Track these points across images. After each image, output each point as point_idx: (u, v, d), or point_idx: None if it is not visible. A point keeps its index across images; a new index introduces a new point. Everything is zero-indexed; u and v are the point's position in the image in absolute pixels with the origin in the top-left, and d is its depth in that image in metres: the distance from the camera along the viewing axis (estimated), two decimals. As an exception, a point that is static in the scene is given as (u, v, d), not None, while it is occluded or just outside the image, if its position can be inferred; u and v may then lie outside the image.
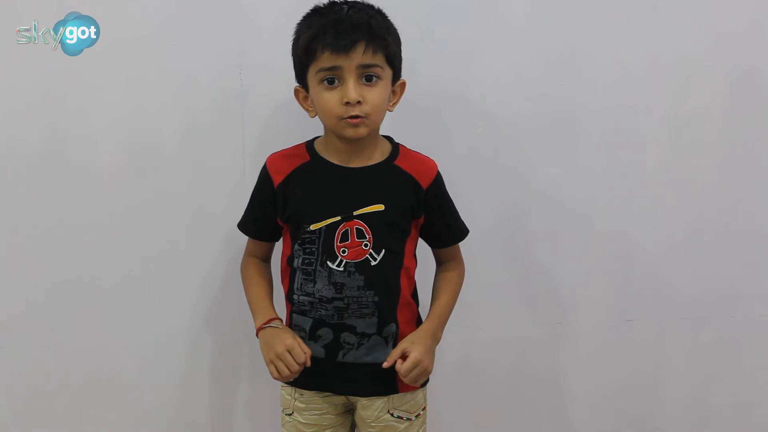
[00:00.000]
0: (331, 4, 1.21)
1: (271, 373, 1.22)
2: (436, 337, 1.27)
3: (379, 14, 1.22)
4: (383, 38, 1.18)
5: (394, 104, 1.26)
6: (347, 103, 1.16)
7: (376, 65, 1.17)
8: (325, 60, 1.16)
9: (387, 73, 1.20)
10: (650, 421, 1.69)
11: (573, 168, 1.58)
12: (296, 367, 1.19)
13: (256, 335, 1.26)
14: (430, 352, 1.24)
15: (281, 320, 1.27)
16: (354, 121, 1.17)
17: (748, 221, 1.63)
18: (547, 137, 1.56)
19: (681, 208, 1.61)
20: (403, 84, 1.26)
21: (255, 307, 1.29)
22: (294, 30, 1.23)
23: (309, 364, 1.20)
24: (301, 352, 1.20)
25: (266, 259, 1.36)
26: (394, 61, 1.21)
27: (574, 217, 1.60)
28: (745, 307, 1.67)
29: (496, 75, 1.53)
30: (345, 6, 1.19)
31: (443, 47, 1.51)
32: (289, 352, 1.19)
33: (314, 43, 1.17)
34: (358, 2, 1.22)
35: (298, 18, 1.25)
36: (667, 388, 1.68)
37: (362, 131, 1.19)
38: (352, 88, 1.16)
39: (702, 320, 1.66)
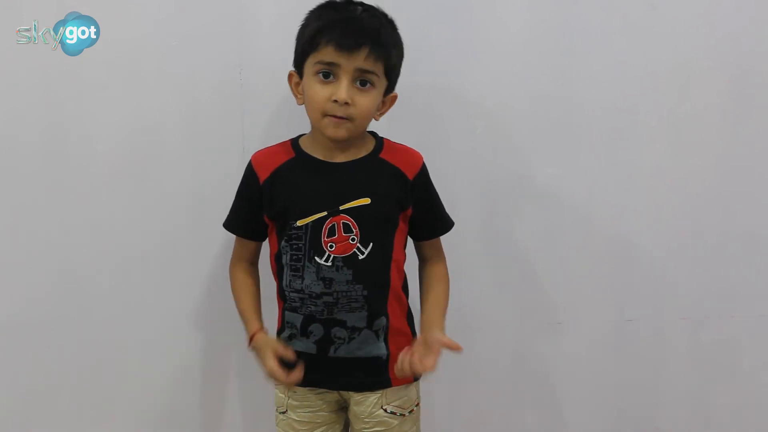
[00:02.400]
0: (347, 2, 1.21)
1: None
2: (442, 329, 1.26)
3: (390, 25, 1.22)
4: (388, 49, 1.18)
5: (381, 114, 1.26)
6: (336, 101, 1.17)
7: (373, 72, 1.18)
8: (327, 54, 1.16)
9: (382, 82, 1.21)
10: (650, 421, 1.69)
11: (572, 168, 1.58)
12: (284, 381, 1.22)
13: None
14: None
15: (265, 331, 1.29)
16: (337, 120, 1.18)
17: (748, 221, 1.63)
18: (546, 137, 1.56)
19: (681, 208, 1.61)
20: (394, 98, 1.27)
21: (245, 320, 1.31)
22: (304, 17, 1.23)
23: (298, 372, 1.22)
24: (282, 375, 1.21)
25: (254, 262, 1.35)
26: (392, 74, 1.22)
27: (573, 217, 1.60)
28: (745, 307, 1.67)
29: (495, 75, 1.53)
30: (360, 7, 1.20)
31: (442, 48, 1.51)
32: (273, 375, 1.23)
33: (320, 35, 1.17)
34: (374, 7, 1.22)
35: (299, 18, 1.25)
36: (667, 389, 1.68)
37: (342, 133, 1.20)
38: (344, 89, 1.16)
39: (702, 320, 1.66)
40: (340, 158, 1.25)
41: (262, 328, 1.29)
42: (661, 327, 1.66)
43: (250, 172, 1.28)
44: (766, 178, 1.62)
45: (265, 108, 1.51)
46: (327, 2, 1.23)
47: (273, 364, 1.22)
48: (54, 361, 1.55)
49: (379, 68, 1.18)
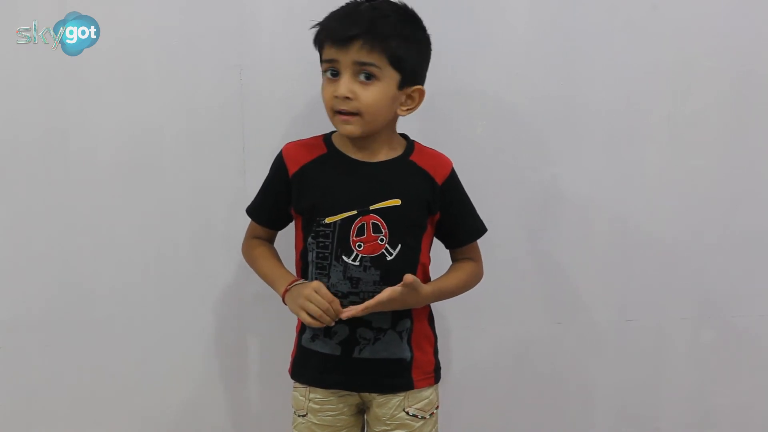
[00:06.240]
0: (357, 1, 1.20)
1: (304, 320, 1.19)
2: (421, 295, 1.22)
3: (398, 15, 1.19)
4: (385, 39, 1.15)
5: (408, 110, 1.23)
6: (336, 97, 1.17)
7: (371, 64, 1.16)
8: (327, 52, 1.18)
9: (388, 74, 1.18)
10: (650, 421, 1.69)
11: (573, 168, 1.58)
12: (325, 305, 1.16)
13: (283, 302, 1.23)
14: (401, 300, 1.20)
15: (303, 279, 1.25)
16: (344, 117, 1.18)
17: (748, 221, 1.63)
18: (547, 137, 1.56)
19: (681, 208, 1.61)
20: (421, 92, 1.23)
21: (273, 278, 1.27)
22: None
23: (341, 312, 1.17)
24: (328, 292, 1.18)
25: (270, 241, 1.35)
26: (402, 66, 1.18)
27: (574, 216, 1.60)
28: (745, 307, 1.67)
29: (497, 75, 1.53)
30: (365, 2, 1.19)
31: (444, 47, 1.49)
32: (316, 292, 1.17)
33: (320, 34, 1.19)
34: (388, 1, 1.20)
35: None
36: (667, 388, 1.68)
37: (352, 129, 1.19)
38: (343, 83, 1.16)
39: (702, 320, 1.66)
40: (371, 158, 1.24)
41: (296, 278, 1.25)
42: (661, 327, 1.66)
43: (279, 163, 1.27)
44: (766, 179, 1.62)
45: (265, 108, 1.50)
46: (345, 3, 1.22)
47: (318, 283, 1.18)
48: (54, 362, 1.54)
49: (378, 59, 1.16)
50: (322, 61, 1.20)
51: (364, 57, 1.15)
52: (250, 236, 1.35)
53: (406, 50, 1.18)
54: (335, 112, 1.19)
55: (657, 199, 1.60)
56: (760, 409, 1.71)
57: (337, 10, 1.20)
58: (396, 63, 1.17)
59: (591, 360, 1.66)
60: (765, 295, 1.67)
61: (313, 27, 1.20)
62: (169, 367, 1.57)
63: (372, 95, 1.17)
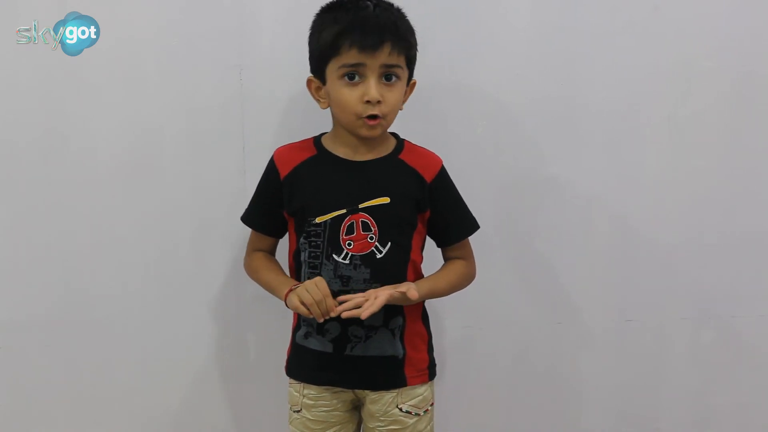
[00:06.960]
0: (356, 0, 1.20)
1: (293, 305, 1.18)
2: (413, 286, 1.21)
3: (402, 14, 1.23)
4: (407, 40, 1.20)
5: (403, 102, 1.27)
6: (368, 102, 1.17)
7: (398, 66, 1.19)
8: (351, 57, 1.17)
9: (405, 73, 1.22)
10: (650, 421, 1.69)
11: (574, 168, 1.58)
12: (319, 296, 1.16)
13: (286, 305, 1.23)
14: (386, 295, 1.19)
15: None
16: (372, 122, 1.19)
17: (748, 221, 1.63)
18: (548, 137, 1.56)
19: (681, 209, 1.61)
20: (414, 84, 1.27)
21: (276, 284, 1.27)
22: (313, 21, 1.23)
23: (334, 310, 1.17)
24: (327, 288, 1.17)
25: (272, 253, 1.36)
26: (413, 61, 1.23)
27: (574, 217, 1.60)
28: (745, 307, 1.67)
29: (498, 75, 1.53)
30: (370, 3, 1.19)
31: (445, 46, 1.51)
32: (316, 285, 1.17)
33: (340, 39, 1.17)
34: (383, 1, 1.22)
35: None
36: (667, 389, 1.68)
37: (377, 132, 1.21)
38: (374, 87, 1.17)
39: (702, 320, 1.66)
40: (361, 157, 1.25)
41: (298, 283, 1.24)
42: (661, 327, 1.66)
43: (271, 168, 1.28)
44: (766, 179, 1.62)
45: (265, 108, 1.50)
46: (335, 3, 1.22)
47: (320, 278, 1.19)
48: (54, 362, 1.55)
49: (402, 61, 1.19)
50: (338, 65, 1.17)
51: (394, 59, 1.18)
52: (251, 250, 1.36)
53: (415, 48, 1.23)
54: (359, 117, 1.19)
55: (657, 199, 1.60)
56: (760, 409, 1.71)
57: (346, 13, 1.18)
58: (409, 61, 1.22)
59: (591, 360, 1.66)
60: (765, 295, 1.67)
61: (326, 30, 1.18)
62: (169, 367, 1.57)
63: (395, 96, 1.20)
